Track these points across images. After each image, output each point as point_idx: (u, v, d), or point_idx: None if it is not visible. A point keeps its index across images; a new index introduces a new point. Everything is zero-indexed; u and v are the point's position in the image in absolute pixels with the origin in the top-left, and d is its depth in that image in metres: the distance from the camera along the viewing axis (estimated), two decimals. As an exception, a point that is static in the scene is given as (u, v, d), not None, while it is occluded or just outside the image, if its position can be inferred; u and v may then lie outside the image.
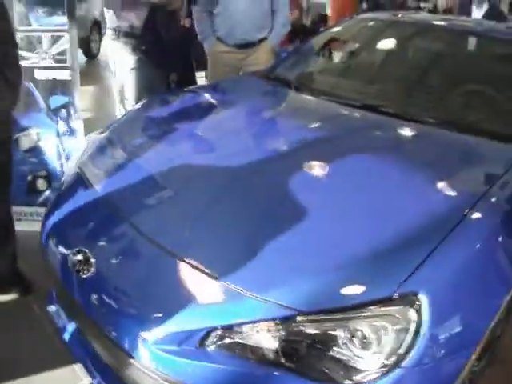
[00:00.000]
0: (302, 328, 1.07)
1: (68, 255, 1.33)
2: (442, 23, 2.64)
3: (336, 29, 2.88)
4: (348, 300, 1.09)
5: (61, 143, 2.49)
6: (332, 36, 2.79)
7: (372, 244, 1.19)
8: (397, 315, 1.07)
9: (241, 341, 1.09)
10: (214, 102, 2.28)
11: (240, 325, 1.09)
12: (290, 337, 1.07)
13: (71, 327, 1.44)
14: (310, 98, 2.15)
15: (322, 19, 5.07)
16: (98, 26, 7.13)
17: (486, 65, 2.30)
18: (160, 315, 1.14)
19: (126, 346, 1.16)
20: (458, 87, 2.19)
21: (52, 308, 1.56)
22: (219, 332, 1.10)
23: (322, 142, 1.74)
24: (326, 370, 1.05)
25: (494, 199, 1.38)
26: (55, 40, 2.28)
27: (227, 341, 1.09)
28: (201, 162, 1.64)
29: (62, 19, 2.24)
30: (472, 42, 2.48)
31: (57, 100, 2.40)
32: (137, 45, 2.87)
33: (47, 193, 2.54)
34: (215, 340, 1.10)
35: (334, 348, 1.06)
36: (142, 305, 1.20)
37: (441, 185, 1.48)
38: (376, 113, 1.93)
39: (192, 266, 1.21)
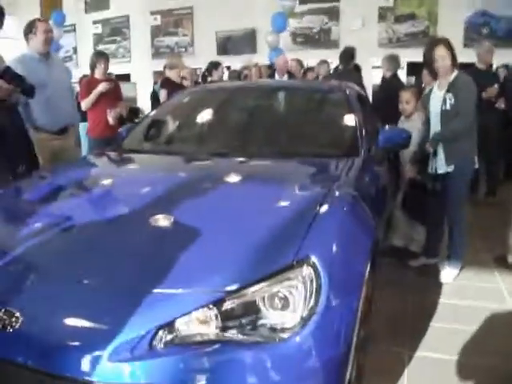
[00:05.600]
0: (231, 305, 1.27)
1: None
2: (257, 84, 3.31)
3: (171, 101, 3.32)
4: (260, 273, 1.33)
5: None
6: (168, 108, 3.21)
7: (268, 233, 1.50)
8: (298, 275, 1.33)
9: (183, 333, 1.23)
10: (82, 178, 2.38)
11: (179, 318, 1.24)
12: (223, 315, 1.26)
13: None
14: (166, 157, 2.51)
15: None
16: None
17: (295, 108, 2.97)
18: (106, 333, 1.22)
19: (84, 373, 1.18)
20: (281, 128, 2.74)
21: None
22: (162, 331, 1.22)
23: (196, 182, 2.05)
24: (258, 335, 1.25)
25: (340, 188, 1.85)
26: None
27: (171, 336, 1.23)
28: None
29: None
30: (281, 94, 3.15)
31: None
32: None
33: None
34: (161, 338, 1.22)
35: (260, 314, 1.27)
36: (85, 332, 1.25)
37: (300, 188, 1.93)
38: (222, 157, 2.35)
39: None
